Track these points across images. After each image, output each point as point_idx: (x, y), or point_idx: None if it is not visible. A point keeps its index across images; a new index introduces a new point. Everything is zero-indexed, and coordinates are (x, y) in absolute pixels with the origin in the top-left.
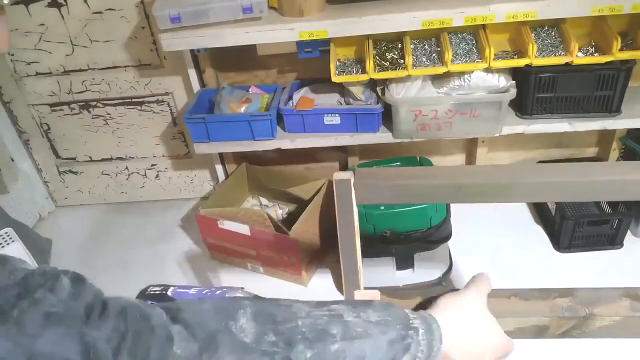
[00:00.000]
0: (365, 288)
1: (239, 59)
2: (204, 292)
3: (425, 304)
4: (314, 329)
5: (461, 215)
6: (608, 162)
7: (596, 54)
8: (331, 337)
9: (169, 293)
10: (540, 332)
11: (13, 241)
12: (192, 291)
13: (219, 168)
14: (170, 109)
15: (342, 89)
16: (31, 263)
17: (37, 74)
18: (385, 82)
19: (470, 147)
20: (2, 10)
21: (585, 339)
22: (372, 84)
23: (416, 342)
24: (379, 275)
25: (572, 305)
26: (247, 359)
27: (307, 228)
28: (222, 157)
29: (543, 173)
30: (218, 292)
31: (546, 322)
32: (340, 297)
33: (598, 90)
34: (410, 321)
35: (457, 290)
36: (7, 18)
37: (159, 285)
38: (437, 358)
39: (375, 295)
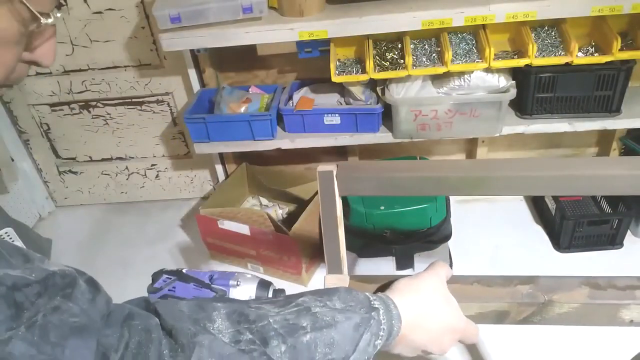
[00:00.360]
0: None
1: (239, 59)
2: (215, 271)
3: (383, 288)
4: (285, 324)
5: (461, 215)
6: (587, 158)
7: (596, 54)
8: (302, 330)
9: (184, 271)
10: (500, 317)
11: (13, 241)
12: (204, 270)
13: (219, 168)
14: (170, 109)
15: (342, 89)
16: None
17: (37, 74)
18: (385, 82)
19: (470, 147)
20: (54, 27)
21: (545, 325)
22: (372, 84)
23: (377, 321)
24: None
25: (531, 292)
26: (228, 359)
27: (307, 228)
28: (222, 157)
29: (520, 167)
30: (228, 273)
31: (506, 308)
32: None
33: (598, 90)
34: (372, 302)
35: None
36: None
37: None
38: (397, 337)
39: (345, 279)
